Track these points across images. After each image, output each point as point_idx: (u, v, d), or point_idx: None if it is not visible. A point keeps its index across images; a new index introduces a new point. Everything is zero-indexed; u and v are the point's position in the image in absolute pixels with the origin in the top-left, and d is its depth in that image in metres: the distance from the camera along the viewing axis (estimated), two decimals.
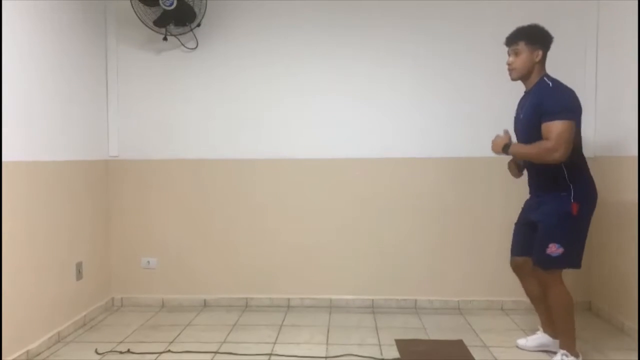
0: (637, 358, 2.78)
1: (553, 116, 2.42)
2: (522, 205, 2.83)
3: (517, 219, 2.84)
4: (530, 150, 2.51)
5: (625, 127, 3.17)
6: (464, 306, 3.63)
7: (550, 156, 2.44)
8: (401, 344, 2.97)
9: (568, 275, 3.58)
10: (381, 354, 2.84)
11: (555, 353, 2.68)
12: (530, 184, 2.76)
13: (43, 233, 2.94)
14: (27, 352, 2.75)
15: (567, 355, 2.58)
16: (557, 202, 2.53)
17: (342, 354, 2.82)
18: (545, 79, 2.57)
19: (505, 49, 2.66)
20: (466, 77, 3.57)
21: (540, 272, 2.62)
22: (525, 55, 2.55)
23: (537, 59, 2.56)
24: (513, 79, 2.64)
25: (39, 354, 2.84)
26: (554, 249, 2.51)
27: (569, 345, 2.60)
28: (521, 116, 2.66)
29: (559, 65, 3.51)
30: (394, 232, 3.64)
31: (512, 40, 2.59)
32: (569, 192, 2.51)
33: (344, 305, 3.67)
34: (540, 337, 2.87)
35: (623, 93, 3.20)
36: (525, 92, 2.68)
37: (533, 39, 2.55)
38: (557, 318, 2.63)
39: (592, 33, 3.48)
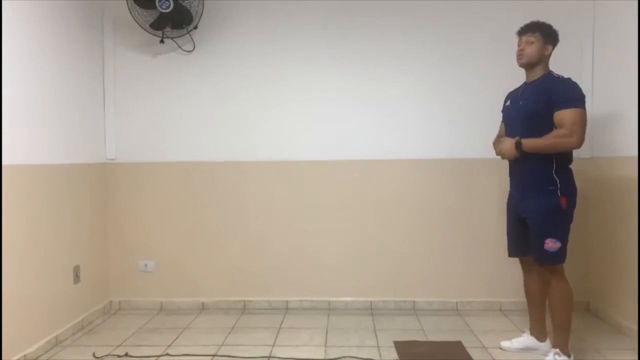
0: (635, 358, 2.78)
1: (566, 104, 2.47)
2: (507, 202, 2.84)
3: (506, 218, 2.85)
4: (546, 141, 2.50)
5: (622, 127, 3.18)
6: (463, 307, 3.63)
7: (567, 143, 2.47)
8: (400, 345, 2.97)
9: (567, 275, 3.60)
10: (380, 355, 2.84)
11: (542, 355, 2.69)
12: (513, 177, 2.77)
13: (40, 236, 2.93)
14: (25, 356, 2.74)
15: (559, 355, 2.58)
16: (545, 197, 2.55)
17: (340, 356, 2.82)
18: (553, 73, 2.63)
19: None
20: (467, 79, 3.58)
21: (543, 269, 2.64)
22: (538, 46, 2.60)
23: (547, 53, 2.64)
24: (521, 64, 2.66)
25: (37, 358, 2.83)
26: (551, 244, 2.53)
27: (562, 343, 2.61)
28: (520, 102, 2.66)
29: (556, 65, 3.53)
30: (393, 234, 3.64)
31: (529, 29, 2.63)
32: (555, 186, 2.53)
33: (343, 307, 3.66)
34: (525, 340, 2.87)
35: (620, 93, 3.20)
36: (525, 82, 2.71)
37: (548, 33, 2.62)
38: (556, 313, 2.62)
39: (588, 32, 3.50)
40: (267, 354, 2.87)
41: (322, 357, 2.82)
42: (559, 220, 2.55)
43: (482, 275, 3.63)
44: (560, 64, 3.47)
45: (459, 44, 3.57)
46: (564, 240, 2.55)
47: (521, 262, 2.86)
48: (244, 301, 3.72)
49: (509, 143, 2.61)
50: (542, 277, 2.70)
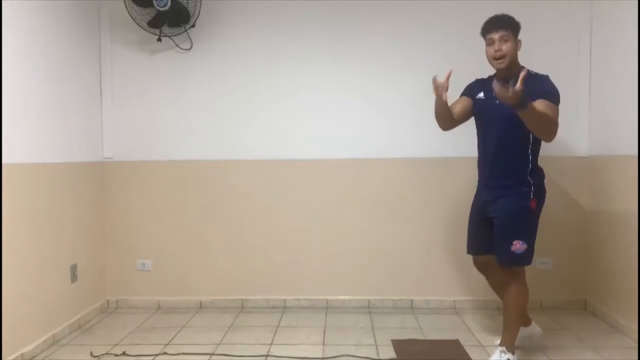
0: (633, 357, 2.79)
1: (549, 97, 2.41)
2: (473, 202, 2.80)
3: (470, 215, 2.81)
4: (546, 117, 2.32)
5: (620, 127, 3.17)
6: (460, 306, 3.63)
7: (554, 129, 2.40)
8: (397, 344, 2.97)
9: (564, 274, 3.61)
10: (377, 354, 2.84)
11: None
12: (485, 176, 2.69)
13: (37, 235, 2.93)
14: (22, 355, 2.74)
15: (505, 352, 2.58)
16: (517, 198, 2.51)
17: (338, 354, 2.82)
18: (527, 69, 2.52)
19: None
20: (459, 79, 3.54)
21: (503, 270, 2.61)
22: (512, 44, 2.51)
23: (519, 49, 2.55)
24: (503, 67, 2.52)
25: (34, 357, 2.83)
26: (518, 246, 2.50)
27: (509, 342, 2.61)
28: (498, 102, 2.45)
29: (553, 62, 3.53)
30: (390, 232, 3.64)
31: (501, 25, 2.48)
32: (529, 187, 2.50)
33: (341, 306, 3.66)
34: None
35: (617, 92, 3.20)
36: (496, 77, 2.58)
37: (516, 27, 2.53)
38: (509, 314, 2.62)
39: (586, 31, 3.49)
40: (265, 353, 2.87)
41: (320, 356, 2.82)
42: (527, 222, 2.53)
43: (479, 274, 3.59)
44: (558, 62, 3.49)
45: (453, 43, 3.54)
46: (530, 242, 2.53)
47: (475, 261, 2.82)
48: (242, 300, 3.72)
49: (517, 92, 2.18)
50: (504, 277, 2.66)
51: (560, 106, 3.54)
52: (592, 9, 3.46)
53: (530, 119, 2.31)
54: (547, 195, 3.17)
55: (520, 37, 2.62)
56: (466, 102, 2.73)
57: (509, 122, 2.46)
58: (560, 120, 3.45)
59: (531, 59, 3.34)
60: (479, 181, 2.78)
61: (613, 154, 3.25)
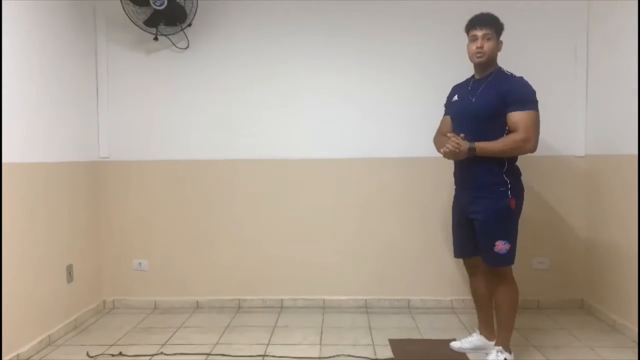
0: (629, 356, 2.79)
1: (522, 106, 2.42)
2: (453, 204, 2.79)
3: (452, 219, 2.79)
4: (503, 147, 2.44)
5: (617, 126, 3.17)
6: (457, 305, 3.63)
7: (523, 148, 2.44)
8: (395, 343, 2.97)
9: (561, 273, 3.62)
10: (375, 354, 2.84)
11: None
12: (462, 178, 2.69)
13: (33, 235, 2.91)
14: (18, 355, 2.72)
15: (502, 352, 2.59)
16: (495, 198, 2.50)
17: (335, 354, 2.82)
18: (503, 70, 2.56)
19: None
20: (452, 81, 3.56)
21: (491, 271, 2.61)
22: (494, 43, 2.52)
23: (500, 50, 2.56)
24: (481, 63, 2.53)
25: (29, 357, 2.81)
26: (501, 246, 2.50)
27: (505, 341, 2.61)
28: (473, 100, 2.57)
29: (550, 61, 3.53)
30: (386, 232, 3.64)
31: (486, 23, 2.50)
32: (506, 187, 2.49)
33: (338, 306, 3.66)
34: (476, 340, 2.84)
35: (614, 90, 3.20)
36: (474, 79, 2.64)
37: (500, 28, 2.54)
38: (502, 313, 2.62)
39: (583, 31, 3.48)
40: (262, 353, 2.86)
41: (317, 356, 2.81)
42: (508, 221, 2.52)
43: None
44: (555, 61, 3.50)
45: (446, 46, 3.51)
46: (513, 241, 2.53)
47: (465, 264, 2.82)
48: (239, 300, 3.71)
49: (464, 144, 2.45)
50: (489, 279, 2.67)
51: (557, 106, 3.57)
52: (589, 9, 3.46)
53: (491, 155, 2.46)
54: (544, 194, 3.17)
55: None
56: (450, 120, 2.77)
57: (481, 120, 2.50)
58: (557, 120, 3.49)
59: (528, 59, 3.35)
60: (455, 183, 2.77)
61: (610, 154, 3.25)
